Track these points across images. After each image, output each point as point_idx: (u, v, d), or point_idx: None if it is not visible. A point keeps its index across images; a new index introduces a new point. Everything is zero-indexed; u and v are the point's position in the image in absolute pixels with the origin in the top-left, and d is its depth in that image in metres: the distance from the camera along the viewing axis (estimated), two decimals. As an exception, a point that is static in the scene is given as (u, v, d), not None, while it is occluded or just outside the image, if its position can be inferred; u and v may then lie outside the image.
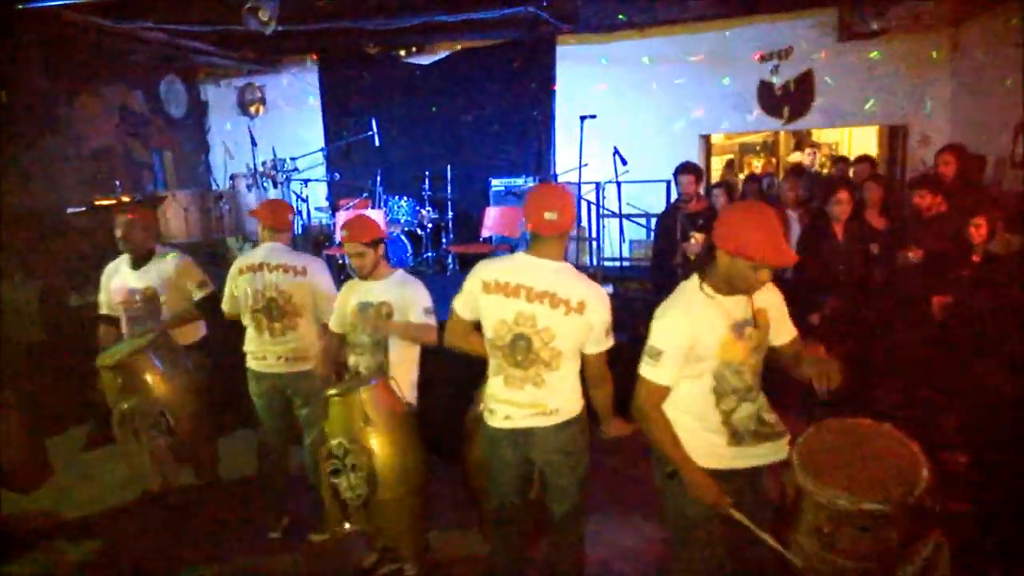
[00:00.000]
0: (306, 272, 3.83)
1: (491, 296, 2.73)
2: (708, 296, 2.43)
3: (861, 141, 10.56)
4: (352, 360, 3.60)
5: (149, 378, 3.85)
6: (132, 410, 3.77)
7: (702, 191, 5.75)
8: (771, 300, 2.54)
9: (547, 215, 2.66)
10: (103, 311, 4.31)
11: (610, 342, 2.75)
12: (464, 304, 2.85)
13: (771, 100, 8.32)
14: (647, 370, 2.45)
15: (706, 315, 2.41)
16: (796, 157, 10.64)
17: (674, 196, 6.68)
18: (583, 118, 6.79)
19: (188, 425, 3.93)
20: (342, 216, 8.07)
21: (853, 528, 2.15)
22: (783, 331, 2.57)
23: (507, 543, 3.01)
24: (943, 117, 7.88)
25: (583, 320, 2.66)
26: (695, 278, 2.48)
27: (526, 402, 2.73)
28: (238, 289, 3.93)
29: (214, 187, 9.80)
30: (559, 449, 2.78)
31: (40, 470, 4.28)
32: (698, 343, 2.40)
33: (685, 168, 5.55)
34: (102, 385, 3.91)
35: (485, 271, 2.79)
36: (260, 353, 3.91)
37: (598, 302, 2.69)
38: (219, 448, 4.41)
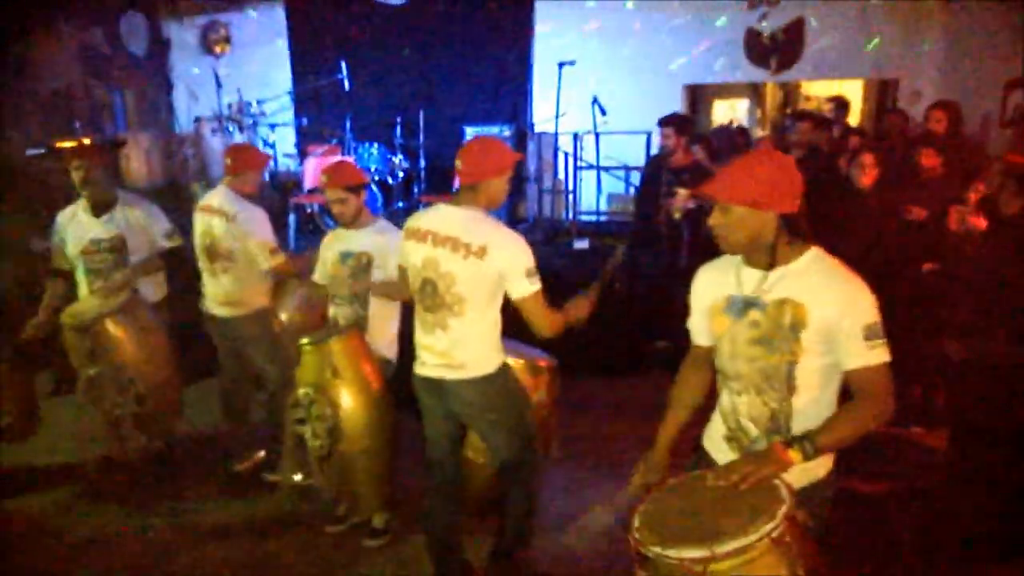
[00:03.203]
0: (235, 220, 3.74)
1: (408, 243, 2.82)
2: (731, 258, 2.12)
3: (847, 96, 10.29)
4: (331, 311, 3.58)
5: (119, 343, 3.65)
6: (99, 377, 3.61)
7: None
8: (830, 294, 1.92)
9: (457, 163, 2.72)
10: (55, 264, 4.05)
11: (534, 285, 2.65)
12: (401, 257, 2.95)
13: (758, 49, 8.02)
14: None
15: (716, 276, 2.16)
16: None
17: (655, 149, 6.44)
18: (561, 65, 6.58)
19: (157, 394, 3.80)
20: (311, 163, 7.77)
21: None
22: (849, 352, 1.92)
23: (438, 491, 3.00)
24: (934, 72, 7.65)
25: (485, 265, 2.62)
26: None
27: (437, 350, 2.77)
28: (194, 228, 3.93)
29: (177, 130, 9.42)
30: (470, 403, 2.81)
31: (31, 420, 4.18)
32: (700, 303, 2.20)
33: (664, 120, 5.28)
34: (66, 343, 3.73)
35: (409, 221, 2.88)
36: (207, 295, 3.96)
37: (503, 246, 2.64)
38: (183, 400, 4.25)
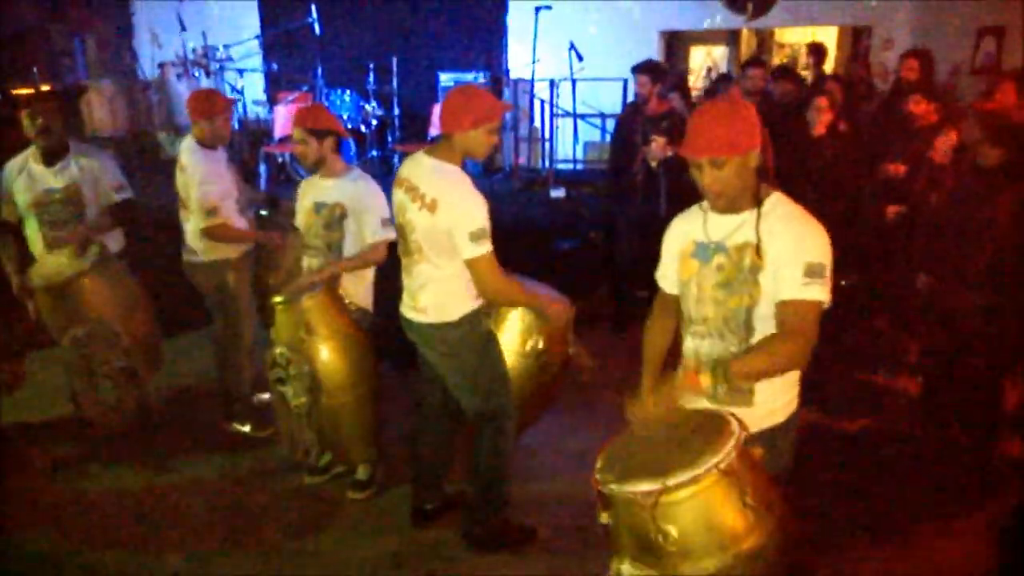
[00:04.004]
0: (185, 170, 3.71)
1: (394, 187, 2.84)
2: (700, 207, 2.17)
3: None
4: (305, 262, 3.53)
5: (100, 300, 3.60)
6: (87, 336, 3.56)
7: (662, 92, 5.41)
8: (784, 233, 1.95)
9: (439, 111, 2.76)
10: (4, 217, 3.91)
11: (480, 249, 2.58)
12: None
13: (735, -5, 7.96)
14: None
15: (686, 224, 2.21)
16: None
17: (632, 96, 6.40)
18: (538, 9, 6.48)
19: (141, 347, 3.78)
20: (281, 111, 7.62)
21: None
22: (784, 283, 1.92)
23: (422, 427, 3.15)
24: (906, 20, 7.67)
25: (434, 220, 2.63)
26: None
27: (409, 291, 2.87)
28: None
29: (141, 76, 9.11)
30: (431, 346, 2.90)
31: (20, 370, 4.20)
32: (671, 250, 2.24)
33: (640, 67, 5.21)
34: (37, 304, 3.69)
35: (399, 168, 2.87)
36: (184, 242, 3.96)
37: (452, 204, 2.60)
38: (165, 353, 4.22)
